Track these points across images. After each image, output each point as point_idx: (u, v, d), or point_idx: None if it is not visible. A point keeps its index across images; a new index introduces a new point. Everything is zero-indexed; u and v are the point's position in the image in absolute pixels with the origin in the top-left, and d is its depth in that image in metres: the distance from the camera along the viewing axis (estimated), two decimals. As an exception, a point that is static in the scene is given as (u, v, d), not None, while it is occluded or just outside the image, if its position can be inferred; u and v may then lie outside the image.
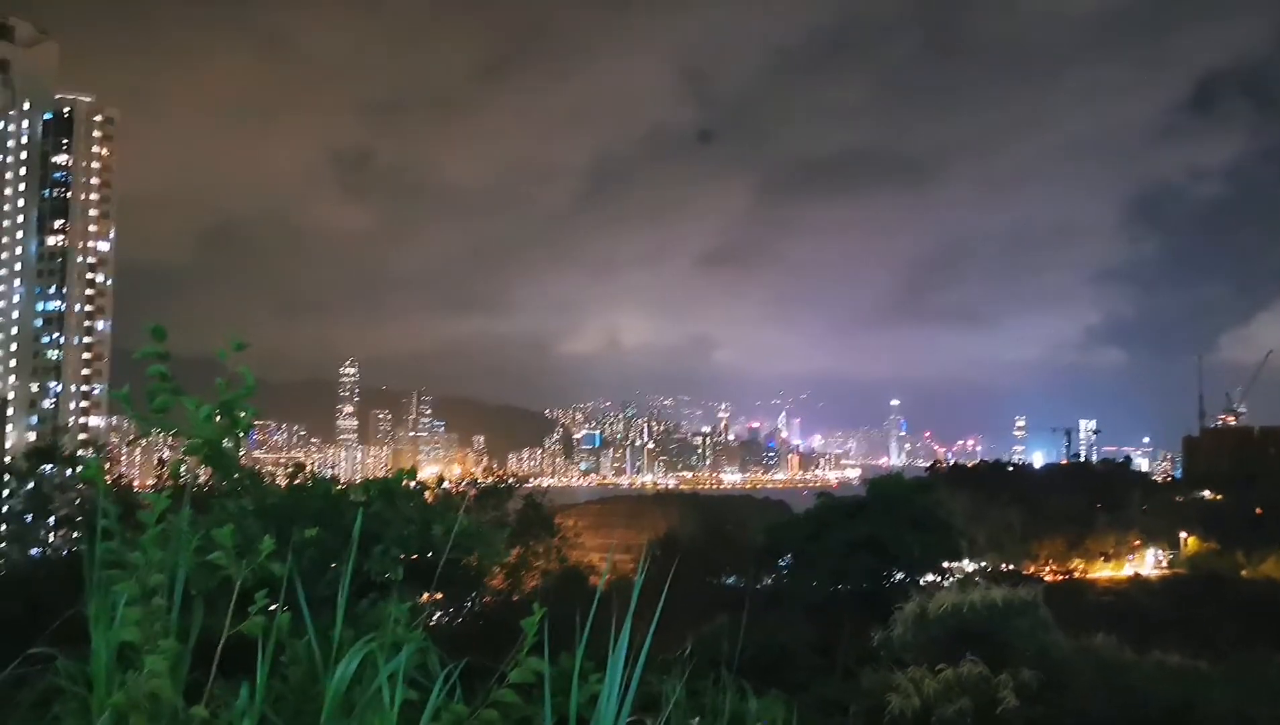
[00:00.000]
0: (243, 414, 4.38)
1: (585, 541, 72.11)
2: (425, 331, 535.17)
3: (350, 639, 4.31)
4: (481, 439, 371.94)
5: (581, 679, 4.34)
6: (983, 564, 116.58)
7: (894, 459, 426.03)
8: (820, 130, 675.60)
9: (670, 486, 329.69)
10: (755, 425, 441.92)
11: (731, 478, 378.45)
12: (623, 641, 4.10)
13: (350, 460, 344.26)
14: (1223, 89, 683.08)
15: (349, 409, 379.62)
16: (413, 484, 12.54)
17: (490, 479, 55.97)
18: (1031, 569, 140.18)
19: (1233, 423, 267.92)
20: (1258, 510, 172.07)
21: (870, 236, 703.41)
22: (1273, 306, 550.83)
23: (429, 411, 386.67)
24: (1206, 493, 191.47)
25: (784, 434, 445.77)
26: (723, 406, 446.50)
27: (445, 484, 48.39)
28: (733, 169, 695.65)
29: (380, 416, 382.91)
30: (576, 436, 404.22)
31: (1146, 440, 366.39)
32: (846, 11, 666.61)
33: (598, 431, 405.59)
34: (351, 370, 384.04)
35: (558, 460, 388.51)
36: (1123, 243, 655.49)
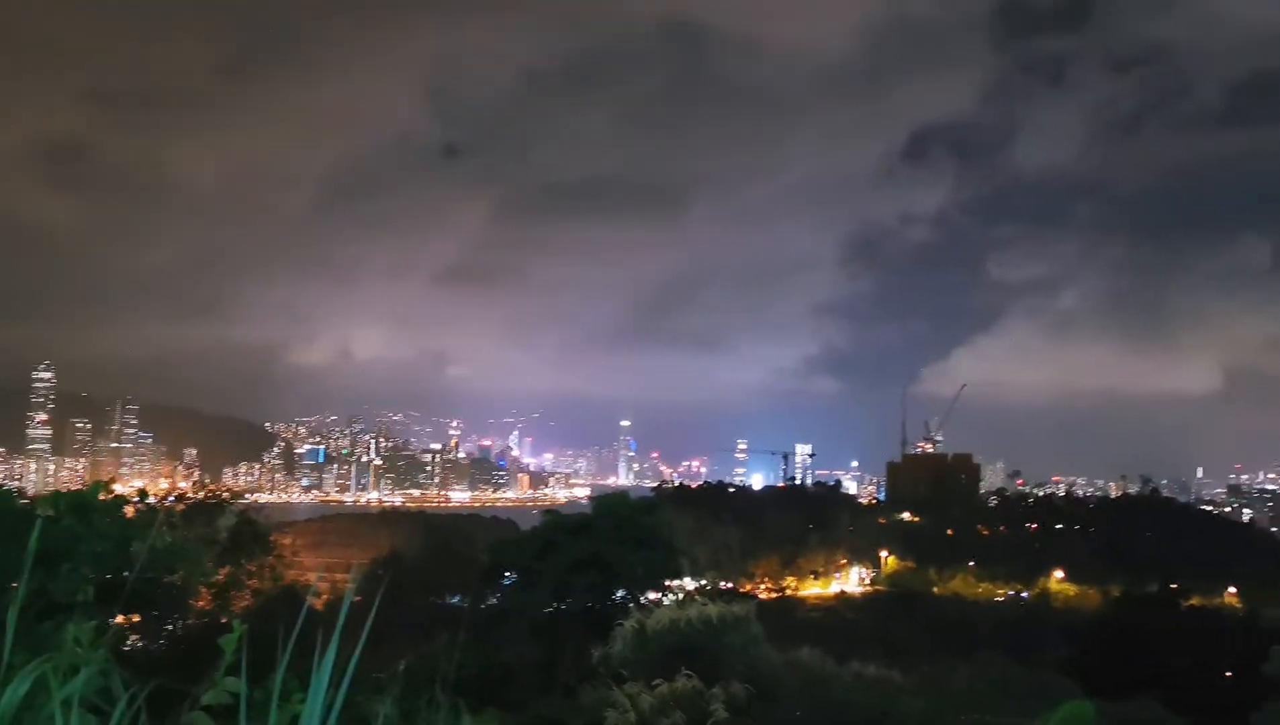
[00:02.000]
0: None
1: (304, 560, 69.48)
2: (144, 337, 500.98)
3: (24, 662, 3.96)
4: (194, 452, 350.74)
5: (285, 700, 4.18)
6: (703, 582, 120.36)
7: (622, 478, 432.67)
8: (566, 154, 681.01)
9: (397, 504, 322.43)
10: (487, 443, 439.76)
11: (461, 496, 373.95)
12: (327, 661, 3.96)
13: (42, 473, 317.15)
14: (933, 144, 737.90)
15: (42, 417, 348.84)
16: (110, 498, 11.71)
17: (200, 494, 52.96)
18: (748, 587, 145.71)
19: (930, 449, 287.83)
20: (949, 531, 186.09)
21: (612, 261, 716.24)
22: (969, 343, 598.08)
23: (135, 421, 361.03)
24: (906, 514, 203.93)
25: (515, 452, 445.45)
26: (454, 423, 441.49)
27: (150, 499, 45.46)
28: (477, 186, 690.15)
29: (79, 425, 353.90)
30: (299, 451, 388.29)
31: (855, 464, 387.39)
32: (596, 42, 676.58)
33: (322, 446, 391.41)
34: (46, 374, 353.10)
35: (278, 476, 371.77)
36: (842, 279, 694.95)
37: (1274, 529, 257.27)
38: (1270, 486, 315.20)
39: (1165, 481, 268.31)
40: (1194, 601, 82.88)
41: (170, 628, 34.35)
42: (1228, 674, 48.92)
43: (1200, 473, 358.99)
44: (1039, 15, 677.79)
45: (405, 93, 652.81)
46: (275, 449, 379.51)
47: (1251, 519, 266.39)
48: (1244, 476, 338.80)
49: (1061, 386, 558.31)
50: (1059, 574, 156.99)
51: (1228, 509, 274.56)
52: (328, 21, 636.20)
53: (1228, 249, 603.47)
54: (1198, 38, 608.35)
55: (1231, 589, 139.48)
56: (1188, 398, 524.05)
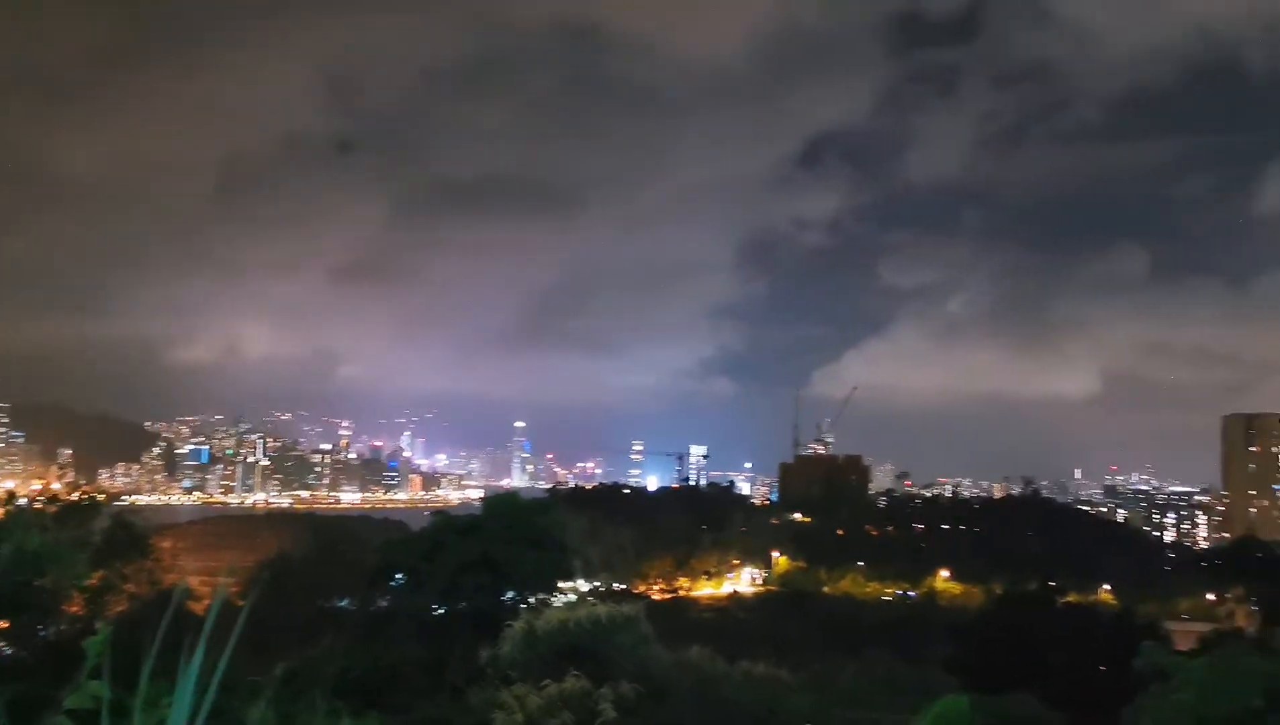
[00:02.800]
0: None
1: (185, 563, 67.65)
2: (14, 331, 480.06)
3: None
4: (69, 451, 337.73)
5: (153, 704, 4.08)
6: (596, 584, 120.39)
7: (516, 480, 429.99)
8: (462, 153, 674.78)
9: (284, 506, 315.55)
10: (378, 444, 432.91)
11: (351, 497, 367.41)
12: (193, 664, 3.88)
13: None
14: (828, 150, 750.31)
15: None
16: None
17: (74, 495, 51.01)
18: (641, 588, 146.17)
19: (821, 450, 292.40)
20: (839, 531, 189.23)
21: (507, 260, 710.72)
22: (860, 346, 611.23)
23: (5, 419, 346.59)
24: (798, 515, 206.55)
25: (407, 453, 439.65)
26: (345, 424, 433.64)
27: (20, 500, 43.71)
28: (372, 184, 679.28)
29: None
30: (181, 452, 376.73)
31: (749, 466, 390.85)
32: (494, 42, 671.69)
33: (205, 447, 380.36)
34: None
35: (158, 477, 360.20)
36: (738, 282, 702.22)
37: (1146, 528, 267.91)
38: (1143, 487, 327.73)
39: (1045, 482, 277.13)
40: (1071, 599, 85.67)
41: (42, 633, 33.14)
42: (1101, 669, 50.57)
43: (1078, 474, 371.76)
44: (930, 28, 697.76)
45: (300, 87, 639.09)
46: (155, 449, 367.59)
47: (1125, 519, 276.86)
48: (1119, 477, 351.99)
49: (949, 389, 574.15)
50: (944, 573, 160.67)
51: (1104, 509, 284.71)
52: (221, 10, 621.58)
53: (1107, 258, 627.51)
54: (1079, 56, 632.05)
55: (1106, 586, 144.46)
56: (1068, 401, 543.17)
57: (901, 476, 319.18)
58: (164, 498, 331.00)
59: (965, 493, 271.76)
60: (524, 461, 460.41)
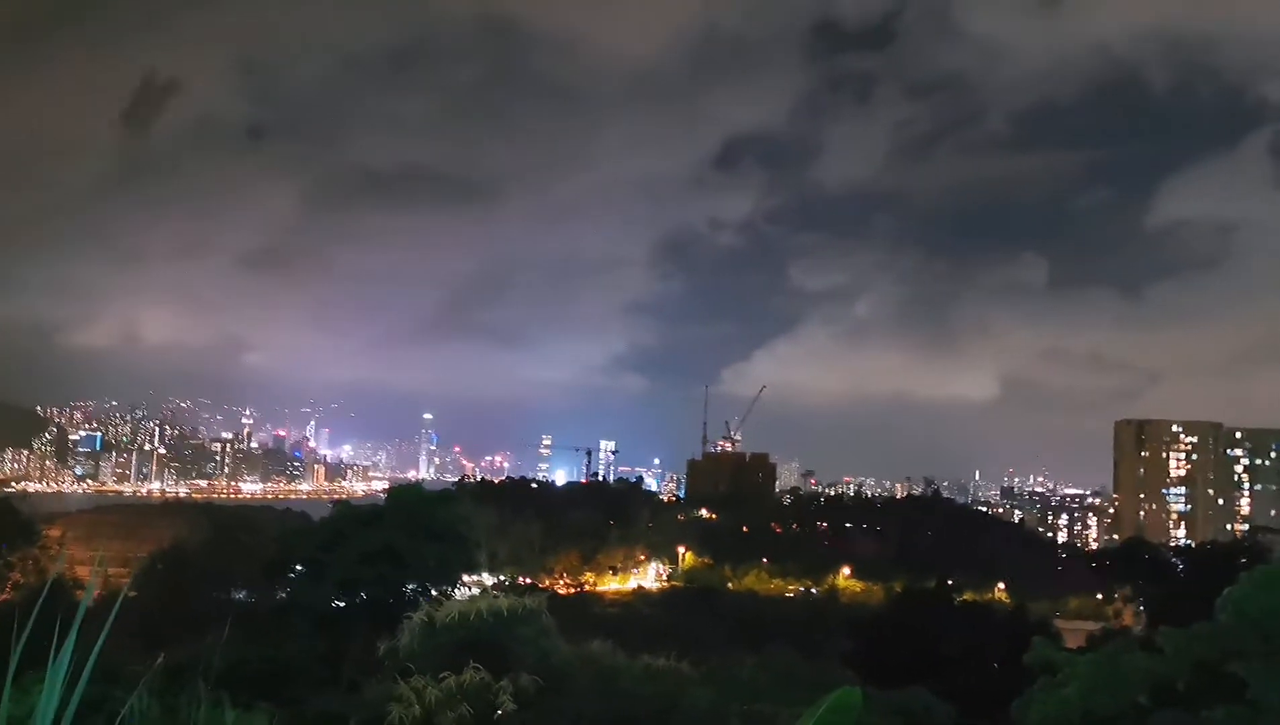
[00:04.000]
0: None
1: (74, 553, 65.67)
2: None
3: None
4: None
5: (24, 694, 3.98)
6: (502, 577, 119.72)
7: (423, 472, 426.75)
8: (380, 143, 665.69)
9: (182, 495, 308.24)
10: (281, 433, 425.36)
11: (252, 487, 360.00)
12: (65, 652, 3.77)
13: None
14: (744, 152, 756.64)
15: None
16: None
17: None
18: (547, 582, 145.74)
19: (730, 448, 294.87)
20: (745, 528, 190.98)
21: (421, 252, 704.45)
22: (768, 345, 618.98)
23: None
24: (704, 511, 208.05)
25: (312, 444, 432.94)
26: (248, 412, 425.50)
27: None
28: (285, 170, 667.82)
29: None
30: (74, 438, 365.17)
31: (658, 462, 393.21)
32: (415, 32, 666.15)
33: (99, 433, 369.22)
34: None
35: (48, 463, 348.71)
36: (652, 279, 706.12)
37: (1041, 529, 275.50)
38: (1039, 489, 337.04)
39: (946, 483, 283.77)
40: (967, 597, 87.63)
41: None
42: (994, 664, 51.84)
43: (978, 475, 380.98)
44: (846, 37, 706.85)
45: (212, 70, 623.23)
46: (46, 435, 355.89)
47: (1022, 519, 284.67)
48: (1016, 479, 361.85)
49: (855, 390, 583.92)
50: (846, 571, 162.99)
51: (1000, 510, 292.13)
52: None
53: (1009, 265, 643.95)
54: (987, 69, 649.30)
55: (1001, 585, 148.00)
56: (969, 403, 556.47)
57: (807, 474, 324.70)
58: (54, 486, 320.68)
59: (868, 492, 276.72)
60: (431, 454, 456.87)
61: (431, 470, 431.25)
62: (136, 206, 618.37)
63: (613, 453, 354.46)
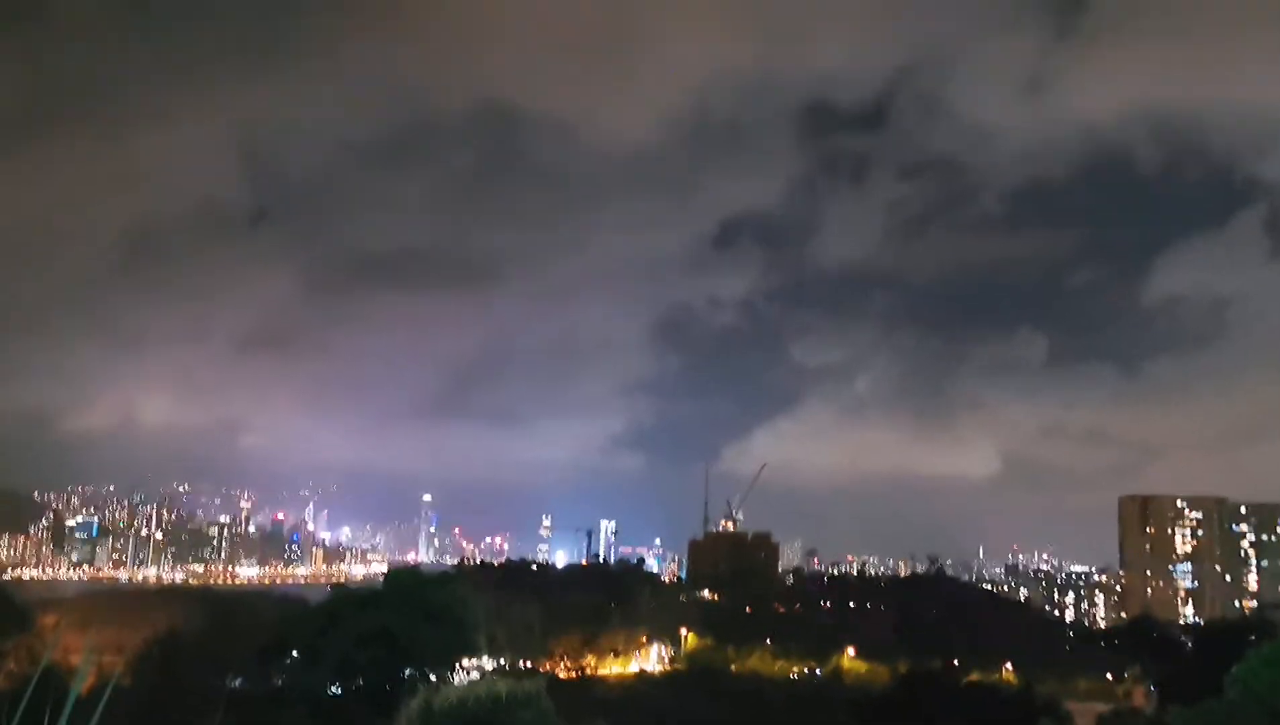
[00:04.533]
0: None
1: (68, 640, 64.82)
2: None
3: None
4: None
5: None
6: (501, 661, 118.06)
7: (422, 554, 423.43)
8: (379, 226, 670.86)
9: (178, 581, 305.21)
10: (280, 517, 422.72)
11: (249, 572, 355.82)
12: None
13: None
14: (741, 233, 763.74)
15: None
16: None
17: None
18: (548, 666, 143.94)
19: (731, 527, 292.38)
20: (748, 608, 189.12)
21: (419, 333, 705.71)
22: (768, 423, 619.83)
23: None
24: (706, 592, 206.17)
25: (310, 527, 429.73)
26: (246, 496, 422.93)
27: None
28: (285, 254, 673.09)
29: None
30: (70, 523, 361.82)
31: (659, 541, 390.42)
32: (413, 118, 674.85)
33: (95, 519, 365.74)
34: None
35: (45, 549, 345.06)
36: (650, 358, 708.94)
37: (1047, 608, 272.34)
38: (1044, 567, 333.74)
39: (950, 561, 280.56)
40: (974, 677, 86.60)
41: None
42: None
43: (982, 553, 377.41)
44: (840, 119, 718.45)
45: (215, 157, 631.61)
46: (43, 521, 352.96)
47: (1027, 598, 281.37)
48: (1021, 557, 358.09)
49: (855, 466, 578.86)
50: (851, 651, 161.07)
51: (1006, 588, 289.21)
52: (138, 77, 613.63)
53: (1006, 342, 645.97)
54: (978, 150, 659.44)
55: (1008, 665, 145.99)
56: (969, 479, 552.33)
57: (810, 553, 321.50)
58: (51, 572, 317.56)
59: (872, 570, 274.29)
60: (430, 536, 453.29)
61: (430, 552, 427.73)
62: (137, 291, 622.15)
63: (614, 533, 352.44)
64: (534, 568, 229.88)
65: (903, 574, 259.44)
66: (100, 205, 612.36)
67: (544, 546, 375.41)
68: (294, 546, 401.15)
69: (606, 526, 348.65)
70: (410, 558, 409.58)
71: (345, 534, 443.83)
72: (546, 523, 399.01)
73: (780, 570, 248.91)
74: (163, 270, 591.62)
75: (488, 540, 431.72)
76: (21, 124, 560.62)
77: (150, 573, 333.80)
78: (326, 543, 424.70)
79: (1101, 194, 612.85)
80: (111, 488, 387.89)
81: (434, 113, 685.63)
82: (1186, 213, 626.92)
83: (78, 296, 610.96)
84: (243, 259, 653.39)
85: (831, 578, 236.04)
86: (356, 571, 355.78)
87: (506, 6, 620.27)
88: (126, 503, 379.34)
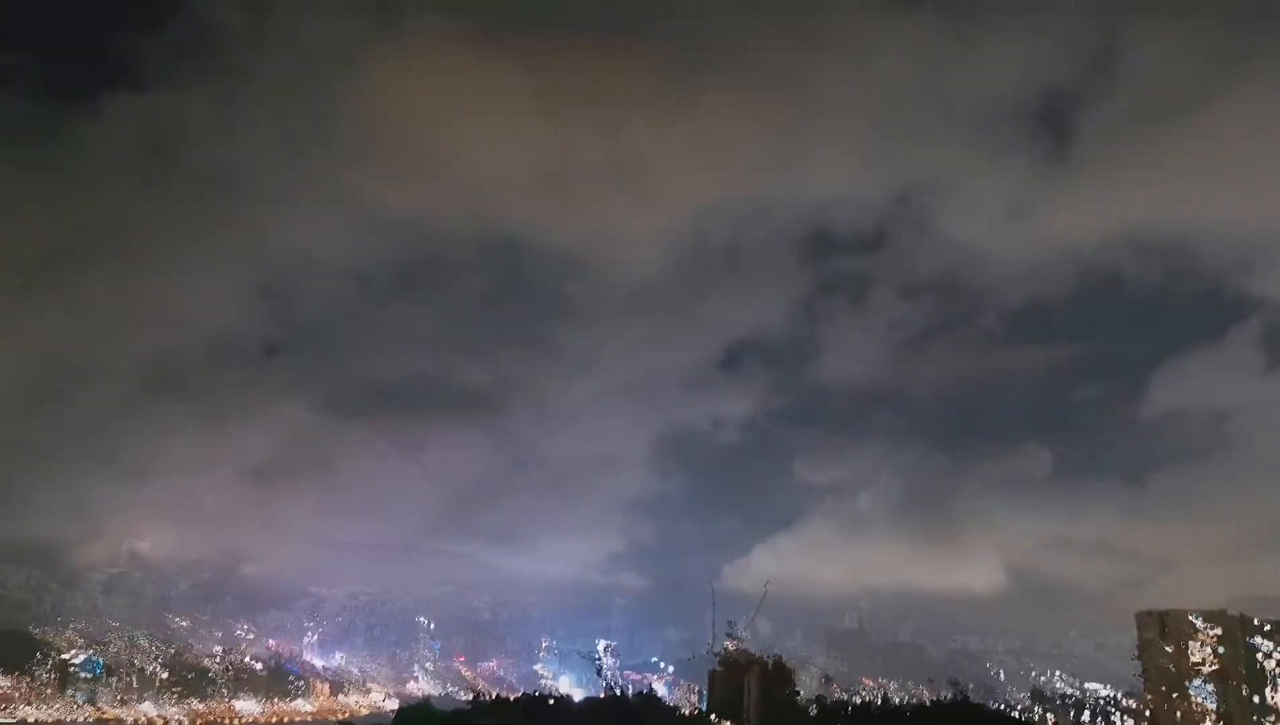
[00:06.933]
0: None
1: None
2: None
3: None
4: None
5: None
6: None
7: (423, 683, 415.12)
8: (387, 355, 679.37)
9: (182, 719, 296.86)
10: (272, 644, 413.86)
11: (251, 708, 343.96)
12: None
13: None
14: (743, 354, 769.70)
15: None
16: None
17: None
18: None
19: (732, 648, 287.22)
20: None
21: (424, 458, 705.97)
22: (768, 540, 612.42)
23: None
24: (728, 724, 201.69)
25: (307, 656, 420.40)
26: (245, 626, 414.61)
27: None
28: (297, 384, 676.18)
29: None
30: (74, 661, 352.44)
31: (660, 663, 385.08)
32: (422, 251, 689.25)
33: (98, 656, 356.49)
34: None
35: (48, 689, 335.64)
36: (653, 478, 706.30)
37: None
38: (1063, 686, 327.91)
39: (972, 685, 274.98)
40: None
41: None
42: None
43: (1001, 675, 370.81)
44: (839, 242, 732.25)
45: (230, 293, 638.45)
46: (48, 659, 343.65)
47: (1055, 724, 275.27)
48: (1041, 678, 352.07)
49: (858, 583, 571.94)
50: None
51: (1036, 715, 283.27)
52: (153, 215, 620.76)
53: (1010, 456, 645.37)
54: (974, 270, 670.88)
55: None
56: (976, 595, 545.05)
57: (827, 680, 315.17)
58: (52, 711, 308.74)
59: (896, 699, 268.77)
60: (428, 662, 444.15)
61: (431, 680, 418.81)
62: (147, 425, 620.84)
63: (613, 655, 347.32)
64: (550, 701, 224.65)
65: (926, 701, 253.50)
66: (116, 342, 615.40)
67: (541, 668, 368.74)
68: (296, 679, 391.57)
69: (608, 646, 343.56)
70: (411, 687, 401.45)
71: (339, 659, 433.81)
72: (546, 644, 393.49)
73: (800, 698, 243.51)
74: (175, 403, 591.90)
75: (484, 664, 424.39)
76: (43, 265, 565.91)
77: (150, 712, 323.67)
78: (321, 668, 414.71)
79: (1096, 312, 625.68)
80: (115, 624, 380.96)
81: (442, 245, 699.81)
82: (1181, 329, 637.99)
83: (90, 432, 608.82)
84: (254, 389, 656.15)
85: (855, 707, 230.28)
86: (361, 704, 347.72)
87: (511, 145, 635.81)
88: (129, 638, 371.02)
